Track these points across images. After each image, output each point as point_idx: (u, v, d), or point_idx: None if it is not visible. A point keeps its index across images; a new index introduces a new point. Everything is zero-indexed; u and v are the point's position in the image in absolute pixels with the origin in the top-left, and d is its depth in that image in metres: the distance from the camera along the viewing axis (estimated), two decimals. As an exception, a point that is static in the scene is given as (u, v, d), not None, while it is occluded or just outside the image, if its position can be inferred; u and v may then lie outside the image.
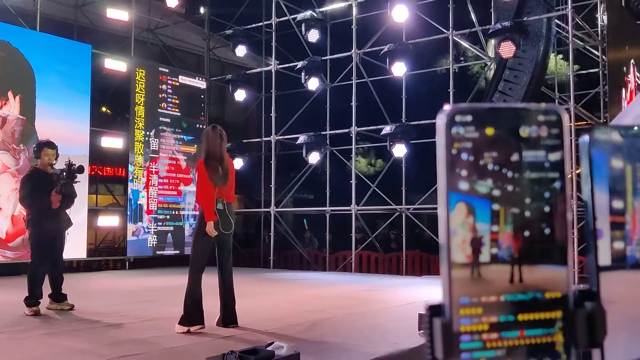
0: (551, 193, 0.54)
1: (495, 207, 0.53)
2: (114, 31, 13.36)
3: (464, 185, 0.52)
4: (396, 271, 12.12)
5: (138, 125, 12.56)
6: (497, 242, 0.53)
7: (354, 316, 6.25)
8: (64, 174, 6.41)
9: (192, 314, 5.20)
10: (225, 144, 5.69)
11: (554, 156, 0.54)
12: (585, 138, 0.57)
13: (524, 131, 0.53)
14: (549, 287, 0.53)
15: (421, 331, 4.61)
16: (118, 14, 12.68)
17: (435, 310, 0.53)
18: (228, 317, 5.42)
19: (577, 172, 7.08)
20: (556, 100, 13.17)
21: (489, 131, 0.53)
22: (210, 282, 5.50)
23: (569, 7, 10.32)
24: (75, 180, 6.54)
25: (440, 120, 0.53)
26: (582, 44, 12.43)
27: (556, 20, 11.81)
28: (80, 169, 6.55)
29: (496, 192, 0.53)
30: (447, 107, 0.53)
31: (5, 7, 11.20)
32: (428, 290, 8.53)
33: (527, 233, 0.53)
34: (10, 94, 10.64)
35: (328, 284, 9.65)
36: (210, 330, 5.25)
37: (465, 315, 0.52)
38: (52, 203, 6.32)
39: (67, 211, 6.74)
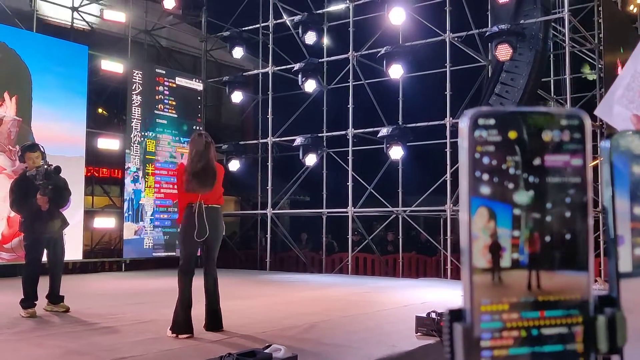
0: (572, 198, 0.53)
1: (517, 212, 0.52)
2: (110, 33, 13.33)
3: (485, 190, 0.52)
4: (393, 273, 12.12)
5: (135, 126, 12.54)
6: (519, 247, 0.53)
7: (351, 318, 6.24)
8: (41, 176, 6.34)
9: (180, 323, 5.14)
10: (213, 150, 5.60)
11: (575, 161, 0.53)
12: (607, 143, 0.56)
13: (547, 135, 0.53)
14: (569, 293, 0.53)
15: (418, 334, 4.61)
16: (115, 15, 12.66)
17: (455, 315, 0.52)
18: (210, 322, 5.38)
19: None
20: (552, 103, 13.21)
21: (512, 135, 0.52)
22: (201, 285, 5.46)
23: (566, 11, 10.36)
24: (52, 181, 6.39)
25: (463, 123, 0.52)
26: (578, 47, 12.47)
27: (553, 24, 11.84)
28: (57, 170, 6.49)
29: (517, 197, 0.53)
30: (470, 110, 0.52)
31: (1, 8, 11.17)
32: (424, 293, 8.53)
33: (548, 238, 0.53)
34: (6, 95, 10.61)
35: (325, 286, 9.65)
36: (206, 333, 5.23)
37: (486, 320, 0.52)
38: (40, 206, 6.30)
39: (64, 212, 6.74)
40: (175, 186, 6.21)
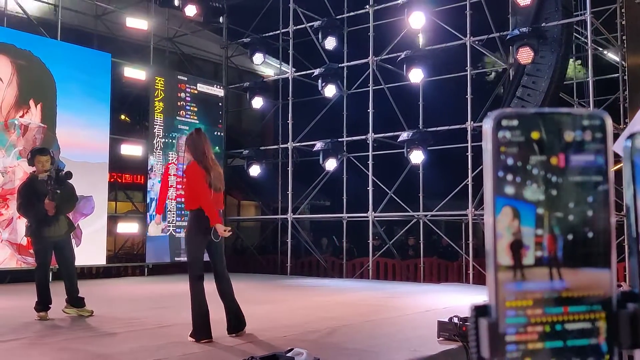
0: (595, 197, 0.55)
1: (540, 211, 0.54)
2: (133, 40, 13.51)
3: (509, 190, 0.54)
4: (414, 278, 12.07)
5: (157, 132, 12.68)
6: (542, 245, 0.54)
7: (372, 323, 6.23)
8: (52, 181, 6.31)
9: (199, 329, 5.10)
10: (211, 149, 5.51)
11: (597, 160, 0.55)
12: (628, 143, 0.57)
13: (569, 135, 0.55)
14: (592, 289, 0.54)
15: (440, 338, 4.58)
16: (137, 23, 12.82)
17: (480, 311, 0.54)
18: (235, 324, 5.34)
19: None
20: (575, 106, 13.08)
21: (535, 135, 0.54)
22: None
23: (588, 13, 10.27)
24: (62, 186, 6.37)
25: (487, 125, 0.54)
26: (601, 49, 12.35)
27: (575, 26, 11.73)
28: (68, 175, 6.46)
29: (541, 196, 0.54)
30: (493, 112, 0.54)
31: (26, 17, 11.38)
32: (446, 298, 8.49)
33: (570, 236, 0.54)
34: (31, 103, 10.80)
35: (345, 291, 9.64)
36: (228, 337, 5.26)
37: (511, 315, 0.53)
38: (47, 210, 6.27)
39: (70, 216, 6.76)
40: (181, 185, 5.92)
